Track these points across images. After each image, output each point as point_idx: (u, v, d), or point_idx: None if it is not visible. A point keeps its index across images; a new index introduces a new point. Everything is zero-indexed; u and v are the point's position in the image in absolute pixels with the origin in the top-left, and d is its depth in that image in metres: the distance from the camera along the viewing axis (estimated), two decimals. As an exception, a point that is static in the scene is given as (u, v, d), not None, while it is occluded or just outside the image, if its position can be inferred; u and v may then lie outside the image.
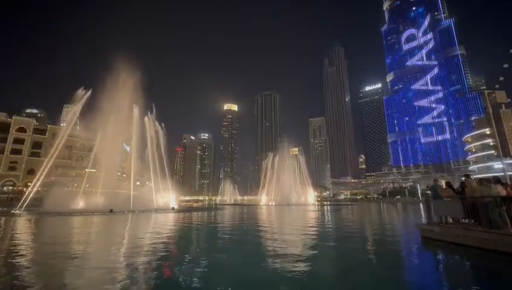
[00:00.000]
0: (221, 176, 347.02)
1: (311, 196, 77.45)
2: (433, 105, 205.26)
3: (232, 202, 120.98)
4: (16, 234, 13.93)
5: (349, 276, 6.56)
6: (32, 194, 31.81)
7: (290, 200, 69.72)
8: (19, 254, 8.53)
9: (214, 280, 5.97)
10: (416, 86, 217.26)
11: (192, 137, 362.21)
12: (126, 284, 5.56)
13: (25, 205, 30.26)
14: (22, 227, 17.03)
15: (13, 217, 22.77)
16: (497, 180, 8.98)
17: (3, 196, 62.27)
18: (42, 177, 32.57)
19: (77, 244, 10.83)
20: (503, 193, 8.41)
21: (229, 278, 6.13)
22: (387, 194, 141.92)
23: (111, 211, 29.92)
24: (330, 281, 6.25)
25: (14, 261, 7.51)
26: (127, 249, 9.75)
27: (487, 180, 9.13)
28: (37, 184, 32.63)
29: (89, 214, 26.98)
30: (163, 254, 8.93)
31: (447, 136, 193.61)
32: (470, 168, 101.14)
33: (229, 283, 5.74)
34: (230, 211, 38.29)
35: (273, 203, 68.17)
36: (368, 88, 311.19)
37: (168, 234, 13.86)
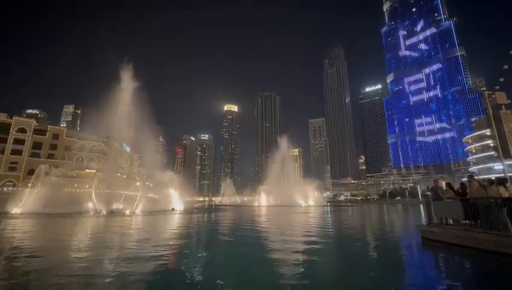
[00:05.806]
0: (221, 177, 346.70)
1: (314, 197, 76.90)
2: (433, 106, 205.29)
3: (231, 203, 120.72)
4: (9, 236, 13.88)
5: (348, 276, 6.52)
6: (32, 195, 31.79)
7: (290, 201, 69.54)
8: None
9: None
10: (417, 86, 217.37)
11: (192, 138, 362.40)
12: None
13: (24, 205, 30.22)
14: (15, 229, 16.97)
15: (11, 218, 22.71)
16: (500, 181, 8.91)
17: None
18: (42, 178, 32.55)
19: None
20: (506, 194, 8.33)
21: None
22: (388, 195, 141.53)
23: (111, 212, 29.95)
24: (329, 281, 6.23)
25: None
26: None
27: (491, 181, 9.06)
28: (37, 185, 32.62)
29: (88, 216, 26.91)
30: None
31: (447, 137, 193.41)
32: (470, 169, 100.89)
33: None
34: (229, 214, 38.18)
35: (268, 204, 67.91)
36: (368, 89, 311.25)
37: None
